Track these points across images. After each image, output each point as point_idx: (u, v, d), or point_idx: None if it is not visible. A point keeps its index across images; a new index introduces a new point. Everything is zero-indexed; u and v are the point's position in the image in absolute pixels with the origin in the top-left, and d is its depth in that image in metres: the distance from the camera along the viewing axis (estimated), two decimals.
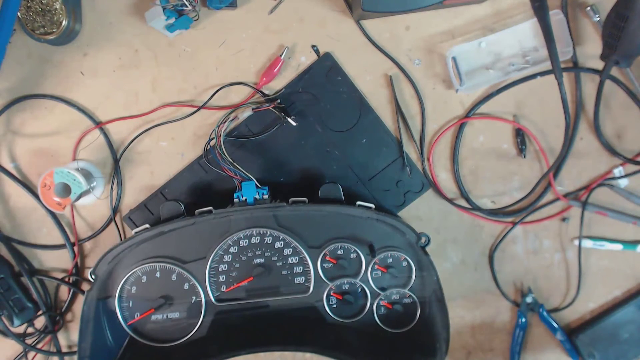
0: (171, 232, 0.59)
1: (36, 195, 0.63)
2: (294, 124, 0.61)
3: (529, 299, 0.65)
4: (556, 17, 0.60)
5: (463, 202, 0.65)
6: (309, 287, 0.61)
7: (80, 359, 0.55)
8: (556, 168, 0.64)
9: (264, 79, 0.62)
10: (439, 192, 0.65)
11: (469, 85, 0.62)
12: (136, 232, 0.58)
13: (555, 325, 0.65)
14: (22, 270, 0.64)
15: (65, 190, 0.60)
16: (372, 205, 0.58)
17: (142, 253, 0.60)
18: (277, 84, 0.63)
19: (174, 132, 0.64)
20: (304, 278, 0.61)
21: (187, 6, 0.58)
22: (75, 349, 0.67)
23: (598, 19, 0.61)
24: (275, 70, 0.62)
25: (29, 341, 0.65)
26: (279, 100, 0.61)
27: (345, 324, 0.62)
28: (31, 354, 0.66)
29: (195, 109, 0.62)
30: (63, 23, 0.59)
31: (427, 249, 0.59)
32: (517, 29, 0.61)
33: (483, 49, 0.62)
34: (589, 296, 0.66)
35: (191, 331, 0.61)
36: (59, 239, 0.65)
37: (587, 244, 0.64)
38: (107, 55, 0.63)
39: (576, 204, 0.64)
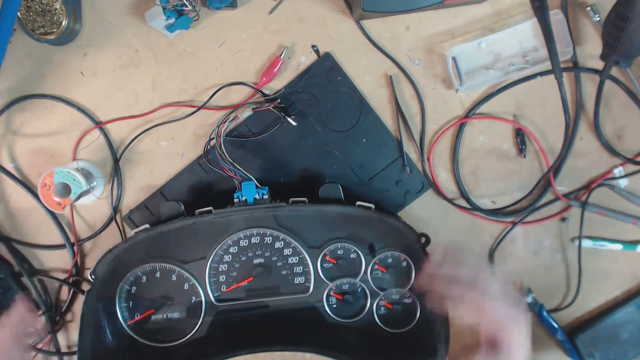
0: (171, 232, 0.59)
1: (36, 195, 0.63)
2: (294, 123, 0.61)
3: (529, 299, 0.65)
4: (556, 17, 0.60)
5: (463, 202, 0.65)
6: (309, 287, 0.61)
7: (80, 359, 0.55)
8: (556, 168, 0.63)
9: (264, 79, 0.62)
10: (439, 192, 0.65)
11: (469, 85, 0.62)
12: (136, 232, 0.58)
13: (555, 325, 0.65)
14: (22, 270, 0.64)
15: (65, 190, 0.60)
16: (372, 205, 0.58)
17: (142, 253, 0.60)
18: (277, 84, 0.63)
19: (174, 132, 0.64)
20: (304, 278, 0.61)
21: (187, 6, 0.58)
22: (75, 349, 0.67)
23: (598, 19, 0.61)
24: (275, 70, 0.62)
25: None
26: (279, 100, 0.61)
27: (345, 324, 0.62)
28: (31, 354, 0.66)
29: (195, 109, 0.62)
30: (63, 23, 0.59)
31: (427, 249, 0.59)
32: (517, 29, 0.61)
33: (483, 49, 0.62)
34: (589, 296, 0.66)
35: (191, 331, 0.61)
36: (59, 239, 0.65)
37: (587, 244, 0.64)
38: (107, 55, 0.63)
39: (576, 204, 0.64)
